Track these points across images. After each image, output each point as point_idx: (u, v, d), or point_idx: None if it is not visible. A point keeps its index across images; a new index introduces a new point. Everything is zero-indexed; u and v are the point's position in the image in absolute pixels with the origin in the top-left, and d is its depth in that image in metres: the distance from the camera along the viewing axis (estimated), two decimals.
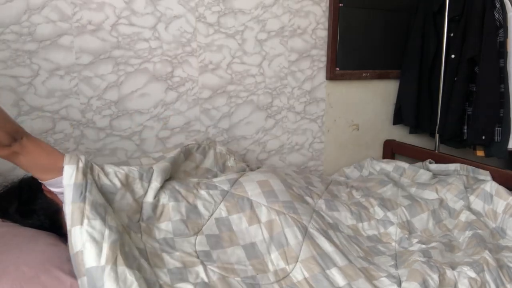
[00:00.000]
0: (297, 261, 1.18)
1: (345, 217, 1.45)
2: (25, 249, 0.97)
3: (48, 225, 1.13)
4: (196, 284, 1.01)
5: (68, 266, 0.94)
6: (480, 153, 2.03)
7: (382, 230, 1.46)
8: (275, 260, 1.18)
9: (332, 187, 1.68)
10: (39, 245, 1.01)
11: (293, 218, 1.28)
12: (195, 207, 1.22)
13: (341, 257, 1.20)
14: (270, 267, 1.17)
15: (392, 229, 1.46)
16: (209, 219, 1.23)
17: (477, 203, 1.59)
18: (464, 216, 1.53)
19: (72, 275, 0.91)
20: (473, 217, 1.52)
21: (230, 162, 1.58)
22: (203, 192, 1.28)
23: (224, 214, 1.25)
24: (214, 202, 1.27)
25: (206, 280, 1.04)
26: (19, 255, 0.94)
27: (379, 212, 1.51)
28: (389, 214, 1.50)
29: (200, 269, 1.06)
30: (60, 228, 1.12)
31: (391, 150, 2.23)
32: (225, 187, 1.33)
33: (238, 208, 1.27)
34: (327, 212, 1.44)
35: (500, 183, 1.64)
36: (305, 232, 1.26)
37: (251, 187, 1.34)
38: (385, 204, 1.55)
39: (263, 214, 1.27)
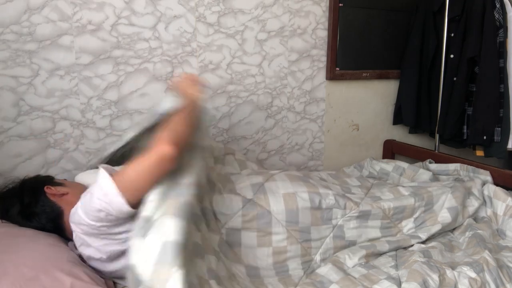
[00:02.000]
0: (296, 286, 1.23)
1: (375, 231, 1.41)
2: (25, 250, 0.97)
3: (51, 228, 1.13)
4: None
5: (68, 266, 0.94)
6: (480, 153, 2.03)
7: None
8: (274, 283, 1.22)
9: (375, 190, 1.56)
10: (40, 245, 1.01)
11: (304, 247, 1.29)
12: (215, 212, 1.24)
13: (337, 272, 1.22)
14: (269, 287, 1.20)
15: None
16: (223, 226, 1.23)
17: (481, 208, 1.59)
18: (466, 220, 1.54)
19: (72, 275, 0.91)
20: (472, 221, 1.53)
21: (251, 168, 1.58)
22: (225, 196, 1.28)
23: (238, 225, 1.24)
24: (232, 212, 1.26)
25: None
26: (19, 256, 0.94)
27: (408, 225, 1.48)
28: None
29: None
30: (63, 231, 1.13)
31: (391, 150, 2.23)
32: (248, 195, 1.31)
33: (253, 224, 1.26)
34: (351, 228, 1.37)
35: (500, 183, 1.64)
36: (308, 266, 1.29)
37: (274, 201, 1.31)
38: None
39: (277, 235, 1.27)
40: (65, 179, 1.32)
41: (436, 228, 1.44)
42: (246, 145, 1.90)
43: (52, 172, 1.52)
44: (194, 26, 1.68)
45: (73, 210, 1.04)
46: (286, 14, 1.86)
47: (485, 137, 1.93)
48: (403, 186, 1.59)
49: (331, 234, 1.35)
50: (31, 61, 1.43)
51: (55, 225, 1.12)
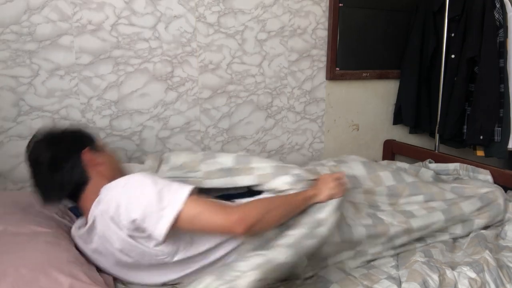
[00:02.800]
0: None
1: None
2: (25, 250, 0.97)
3: (69, 191, 1.06)
4: None
5: (67, 266, 0.94)
6: (480, 153, 2.03)
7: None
8: None
9: (406, 200, 1.49)
10: (39, 244, 1.00)
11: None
12: None
13: (338, 273, 1.21)
14: None
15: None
16: None
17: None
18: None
19: (71, 276, 0.91)
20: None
21: None
22: None
23: None
24: None
25: None
26: (18, 256, 0.93)
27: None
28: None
29: None
30: (78, 199, 1.07)
31: (391, 150, 2.23)
32: None
33: None
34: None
35: (500, 183, 1.64)
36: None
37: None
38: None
39: None
40: (105, 144, 1.22)
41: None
42: (246, 145, 1.90)
43: None
44: (194, 26, 1.68)
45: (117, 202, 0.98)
46: (286, 14, 1.86)
47: (482, 137, 1.93)
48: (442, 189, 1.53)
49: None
50: (31, 61, 1.43)
51: (74, 191, 1.06)
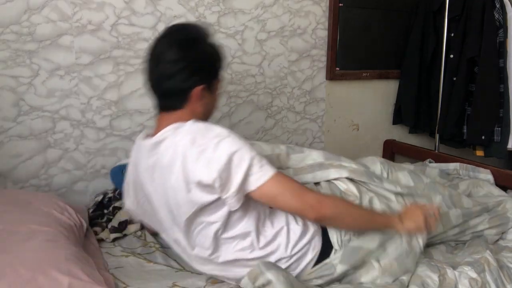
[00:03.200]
0: None
1: None
2: (23, 249, 0.96)
3: (160, 96, 1.05)
4: None
5: (66, 265, 0.93)
6: (479, 153, 2.03)
7: None
8: None
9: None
10: (37, 242, 1.00)
11: None
12: None
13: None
14: None
15: None
16: None
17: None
18: None
19: (70, 274, 0.90)
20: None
21: None
22: None
23: None
24: None
25: None
26: (16, 256, 0.93)
27: None
28: None
29: None
30: (161, 108, 1.06)
31: (391, 150, 2.23)
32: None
33: None
34: None
35: (500, 183, 1.64)
36: None
37: None
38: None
39: None
40: (220, 85, 1.15)
41: None
42: None
43: (52, 172, 1.52)
44: None
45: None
46: (286, 14, 1.86)
47: (483, 137, 1.93)
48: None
49: None
50: (31, 61, 1.43)
51: (165, 101, 1.05)
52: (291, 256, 1.06)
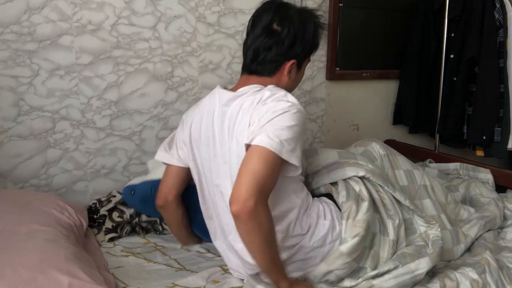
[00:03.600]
0: None
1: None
2: (23, 249, 0.96)
3: (251, 60, 1.13)
4: None
5: (66, 265, 0.93)
6: (479, 153, 2.03)
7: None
8: None
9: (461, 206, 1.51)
10: (37, 242, 1.00)
11: None
12: None
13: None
14: None
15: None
16: None
17: None
18: None
19: (70, 274, 0.90)
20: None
21: None
22: None
23: None
24: None
25: None
26: (16, 256, 0.93)
27: None
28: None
29: None
30: (247, 70, 1.15)
31: None
32: None
33: None
34: None
35: (500, 183, 1.64)
36: None
37: None
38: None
39: None
40: (306, 65, 1.23)
41: None
42: None
43: (52, 172, 1.53)
44: (194, 26, 1.68)
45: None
46: None
47: (484, 137, 1.93)
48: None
49: None
50: (31, 61, 1.44)
51: (254, 64, 1.12)
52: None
